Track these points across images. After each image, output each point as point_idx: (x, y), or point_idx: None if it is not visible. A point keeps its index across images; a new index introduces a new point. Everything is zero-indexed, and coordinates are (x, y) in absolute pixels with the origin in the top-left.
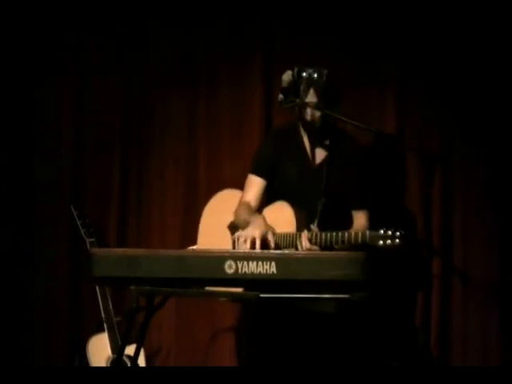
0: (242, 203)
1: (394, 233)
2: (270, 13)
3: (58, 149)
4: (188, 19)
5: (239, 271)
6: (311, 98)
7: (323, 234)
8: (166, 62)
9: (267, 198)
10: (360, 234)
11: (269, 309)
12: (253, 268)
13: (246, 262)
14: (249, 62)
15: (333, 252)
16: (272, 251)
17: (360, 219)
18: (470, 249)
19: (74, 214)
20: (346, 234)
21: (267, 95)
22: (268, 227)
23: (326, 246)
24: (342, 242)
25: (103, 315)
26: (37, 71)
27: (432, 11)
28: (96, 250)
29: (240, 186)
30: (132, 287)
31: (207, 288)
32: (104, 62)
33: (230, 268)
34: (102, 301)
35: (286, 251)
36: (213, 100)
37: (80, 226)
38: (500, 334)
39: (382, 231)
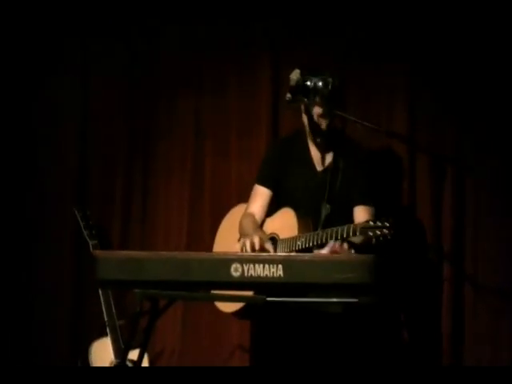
0: (246, 214)
1: (383, 222)
2: (277, 13)
3: (61, 150)
4: (194, 19)
5: (245, 274)
6: (318, 107)
7: (317, 234)
8: (172, 62)
9: (275, 206)
10: (351, 228)
11: (275, 309)
12: (259, 271)
13: (252, 265)
14: (256, 60)
15: (341, 255)
16: (279, 254)
17: (361, 213)
18: (481, 251)
19: (78, 215)
20: (339, 230)
21: (275, 94)
22: (267, 241)
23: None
24: (336, 238)
25: (106, 319)
26: (40, 74)
27: (444, 10)
28: (99, 253)
29: (246, 187)
30: (136, 290)
31: (213, 291)
32: (109, 65)
33: (236, 271)
34: (104, 304)
35: (293, 254)
36: (219, 100)
37: (83, 228)
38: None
39: (371, 222)
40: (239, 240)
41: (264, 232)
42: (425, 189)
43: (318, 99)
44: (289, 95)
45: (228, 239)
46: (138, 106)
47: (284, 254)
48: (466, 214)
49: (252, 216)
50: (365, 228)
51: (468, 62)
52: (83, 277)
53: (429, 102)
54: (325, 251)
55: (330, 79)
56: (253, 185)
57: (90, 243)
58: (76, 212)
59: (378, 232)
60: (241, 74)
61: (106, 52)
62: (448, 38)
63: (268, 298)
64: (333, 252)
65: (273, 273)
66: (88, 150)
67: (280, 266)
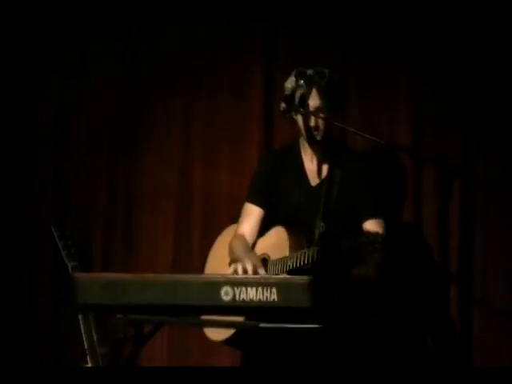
0: (236, 236)
1: (375, 238)
2: (277, 13)
3: (40, 161)
4: (194, 19)
5: (237, 298)
6: (314, 100)
7: (307, 251)
8: (170, 61)
9: (268, 223)
10: (342, 243)
11: (268, 336)
12: (252, 295)
13: (244, 289)
14: (255, 59)
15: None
16: (273, 276)
17: (372, 228)
18: (491, 273)
19: (55, 235)
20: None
21: (268, 98)
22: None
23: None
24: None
25: (86, 346)
26: (40, 74)
27: (444, 8)
28: (79, 275)
29: (238, 199)
30: (119, 315)
31: (202, 317)
32: (109, 65)
33: (226, 295)
34: (85, 330)
35: (288, 276)
36: (210, 106)
37: (61, 249)
38: None
39: (363, 237)
40: (230, 264)
41: (256, 255)
42: (430, 203)
43: (314, 92)
44: (283, 105)
45: (220, 263)
46: (124, 114)
47: (278, 276)
48: (475, 230)
49: (242, 238)
50: (355, 243)
51: (470, 60)
52: (62, 301)
53: (431, 102)
54: None
55: (327, 70)
56: (245, 194)
57: (69, 265)
58: (53, 231)
59: (369, 247)
60: (240, 73)
61: (106, 52)
62: (448, 36)
63: (261, 324)
64: None
65: (266, 297)
66: (68, 160)
67: (274, 290)
